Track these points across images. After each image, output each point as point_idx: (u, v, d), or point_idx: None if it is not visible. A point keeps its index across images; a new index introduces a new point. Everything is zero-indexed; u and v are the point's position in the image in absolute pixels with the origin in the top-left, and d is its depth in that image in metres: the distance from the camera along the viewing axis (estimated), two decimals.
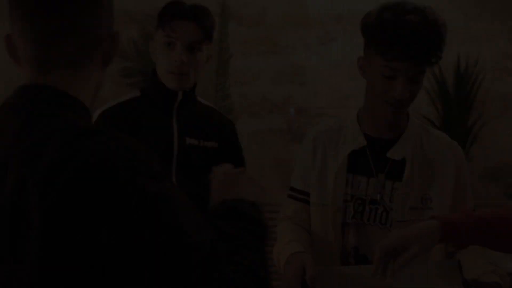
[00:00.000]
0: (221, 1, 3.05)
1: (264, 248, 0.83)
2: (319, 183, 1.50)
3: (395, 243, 1.18)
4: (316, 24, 3.28)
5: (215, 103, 2.99)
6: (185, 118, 1.67)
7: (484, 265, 1.36)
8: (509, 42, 3.24)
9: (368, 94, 1.45)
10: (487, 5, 3.22)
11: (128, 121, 1.62)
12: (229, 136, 1.75)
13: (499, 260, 1.74)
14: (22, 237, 0.68)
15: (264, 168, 3.38)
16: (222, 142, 1.71)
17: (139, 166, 0.71)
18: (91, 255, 0.66)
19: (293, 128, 3.33)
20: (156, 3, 1.62)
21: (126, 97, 1.68)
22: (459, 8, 3.22)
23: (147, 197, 0.68)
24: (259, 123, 3.37)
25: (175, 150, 1.63)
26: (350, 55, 3.24)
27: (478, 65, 3.17)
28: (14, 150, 0.72)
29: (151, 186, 0.70)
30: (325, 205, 1.48)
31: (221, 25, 3.01)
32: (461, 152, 1.53)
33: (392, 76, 1.34)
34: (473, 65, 3.16)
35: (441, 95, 3.13)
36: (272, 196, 3.35)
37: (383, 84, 1.35)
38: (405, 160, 1.44)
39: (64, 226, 0.67)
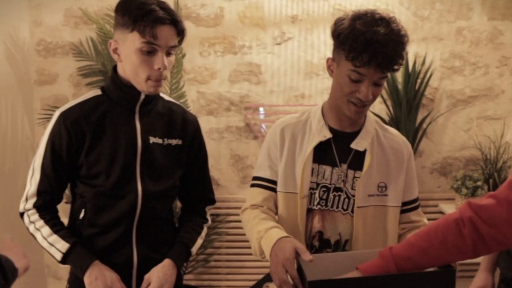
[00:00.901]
0: (175, 0, 3.05)
1: None
2: (287, 172, 1.60)
3: None
4: (272, 24, 3.31)
5: None
6: (148, 117, 1.64)
7: None
8: (456, 42, 3.35)
9: (334, 92, 1.57)
10: (435, 7, 3.32)
11: (90, 121, 1.59)
12: (194, 133, 1.74)
13: None
14: None
15: (222, 164, 3.44)
16: (186, 139, 1.71)
17: None
18: None
19: (251, 125, 3.40)
20: (114, 1, 1.55)
21: (86, 96, 1.64)
22: (409, 9, 3.31)
23: None
24: (217, 121, 3.41)
25: (139, 149, 1.61)
26: (305, 54, 3.35)
27: (427, 64, 3.28)
28: None
29: None
30: (292, 193, 1.59)
31: None
32: (410, 147, 1.67)
33: (359, 80, 1.46)
34: (422, 65, 3.26)
35: (392, 94, 3.21)
36: (229, 191, 3.45)
37: (350, 86, 1.48)
38: (365, 151, 1.57)
39: None
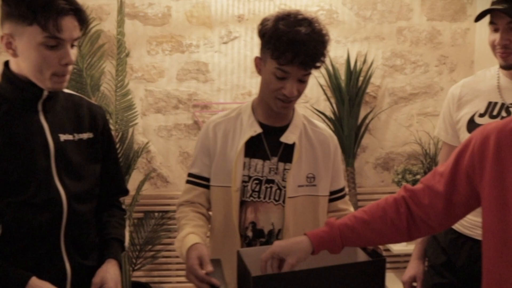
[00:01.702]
0: None
1: None
2: (220, 167, 1.67)
3: (275, 251, 1.36)
4: (219, 23, 3.37)
5: (116, 100, 3.08)
6: (54, 114, 1.51)
7: None
8: (397, 42, 3.47)
9: (262, 89, 1.64)
10: (377, 7, 3.44)
11: None
12: (103, 124, 1.65)
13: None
14: None
15: (171, 162, 3.48)
16: (97, 131, 1.61)
17: None
18: None
19: (199, 123, 3.45)
20: None
21: None
22: (352, 10, 3.42)
23: None
24: (165, 119, 3.44)
25: (51, 149, 1.47)
26: (251, 53, 3.42)
27: (369, 62, 3.40)
28: None
29: None
30: (226, 187, 1.65)
31: (119, 23, 3.05)
32: (336, 140, 1.77)
33: (284, 77, 1.53)
34: (363, 63, 3.37)
35: (335, 91, 3.31)
36: (178, 189, 3.49)
37: (276, 84, 1.55)
38: (294, 144, 1.65)
39: None
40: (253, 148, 1.66)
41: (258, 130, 1.66)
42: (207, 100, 3.44)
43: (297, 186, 1.66)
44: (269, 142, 1.67)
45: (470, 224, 1.77)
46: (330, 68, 3.32)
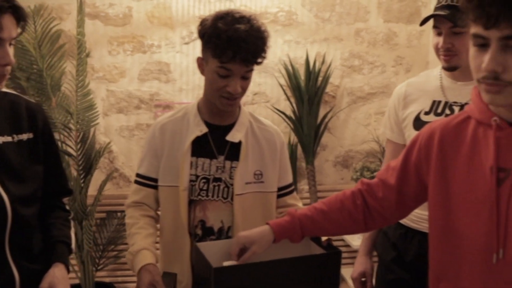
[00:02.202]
0: None
1: None
2: (168, 167, 1.68)
3: (239, 241, 1.41)
4: (180, 24, 3.39)
5: (77, 100, 3.08)
6: None
7: None
8: (355, 43, 3.57)
9: (206, 89, 1.66)
10: (335, 9, 3.52)
11: None
12: (43, 122, 1.59)
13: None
14: None
15: (133, 161, 3.48)
16: (37, 130, 1.55)
17: None
18: None
19: None
20: None
21: None
22: (311, 11, 3.50)
23: None
24: (127, 119, 3.45)
25: None
26: None
27: (328, 63, 3.48)
28: None
29: None
30: (174, 186, 1.66)
31: (79, 23, 3.05)
32: (282, 137, 1.80)
33: (227, 75, 1.56)
34: (322, 63, 3.45)
35: (295, 91, 3.38)
36: None
37: (219, 82, 1.57)
38: (241, 142, 1.67)
39: None
40: (199, 147, 1.68)
41: (204, 129, 1.68)
42: (169, 100, 3.46)
43: (244, 184, 1.68)
44: (215, 141, 1.69)
45: (418, 218, 1.85)
46: (290, 68, 3.39)
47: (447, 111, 1.80)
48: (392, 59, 3.62)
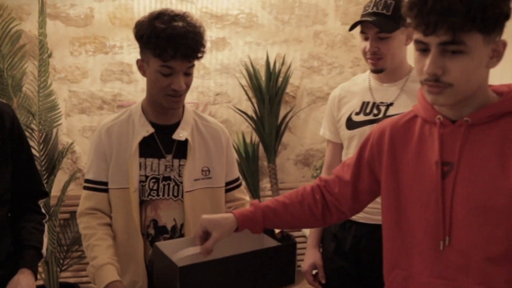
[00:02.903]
0: None
1: None
2: (117, 169, 1.68)
3: (202, 224, 1.43)
4: None
5: (39, 101, 3.08)
6: None
7: None
8: (314, 45, 3.68)
9: (150, 89, 1.68)
10: (295, 12, 3.62)
11: None
12: (11, 122, 1.57)
13: None
14: None
15: None
16: (4, 130, 1.54)
17: None
18: None
19: None
20: None
21: None
22: (271, 14, 3.59)
23: None
24: (90, 119, 3.47)
25: None
26: None
27: (288, 64, 3.57)
28: None
29: None
30: (124, 188, 1.67)
31: (40, 24, 3.04)
32: (227, 133, 1.84)
33: (170, 73, 1.58)
34: (282, 64, 3.54)
35: (256, 91, 3.47)
36: None
37: (163, 81, 1.60)
38: (187, 140, 1.70)
39: None
40: (147, 148, 1.69)
41: (150, 130, 1.68)
42: (131, 100, 3.49)
43: (193, 180, 1.71)
44: (162, 140, 1.71)
45: None
46: (251, 69, 3.47)
47: (375, 111, 1.93)
48: (350, 60, 3.75)
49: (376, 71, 1.91)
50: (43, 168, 3.12)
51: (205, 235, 1.44)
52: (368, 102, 1.95)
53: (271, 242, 1.61)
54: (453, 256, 1.19)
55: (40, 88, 3.06)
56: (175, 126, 1.73)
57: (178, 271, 1.34)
